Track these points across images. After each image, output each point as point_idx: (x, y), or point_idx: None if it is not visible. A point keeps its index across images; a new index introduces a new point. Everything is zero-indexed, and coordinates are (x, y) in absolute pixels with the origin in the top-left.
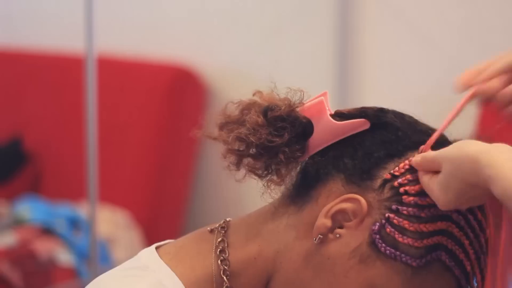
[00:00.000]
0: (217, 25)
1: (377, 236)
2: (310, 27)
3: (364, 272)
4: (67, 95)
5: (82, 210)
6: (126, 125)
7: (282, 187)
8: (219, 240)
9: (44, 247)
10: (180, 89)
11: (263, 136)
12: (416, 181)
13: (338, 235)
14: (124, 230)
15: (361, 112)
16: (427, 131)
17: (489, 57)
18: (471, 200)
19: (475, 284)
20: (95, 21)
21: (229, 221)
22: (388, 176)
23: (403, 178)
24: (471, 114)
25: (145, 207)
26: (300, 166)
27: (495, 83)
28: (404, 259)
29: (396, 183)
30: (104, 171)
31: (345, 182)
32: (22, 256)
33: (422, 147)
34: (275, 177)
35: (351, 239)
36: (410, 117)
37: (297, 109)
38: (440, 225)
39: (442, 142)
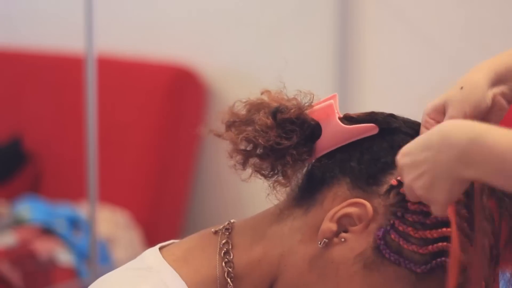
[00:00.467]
0: (217, 25)
1: (382, 242)
2: (310, 27)
3: (368, 277)
4: (67, 95)
5: (82, 210)
6: (126, 125)
7: (287, 189)
8: (223, 241)
9: (44, 247)
10: (180, 89)
11: (271, 138)
12: None
13: (343, 240)
14: (124, 230)
15: (371, 117)
16: None
17: (489, 57)
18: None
19: None
20: (95, 21)
21: (234, 222)
22: (394, 182)
23: None
24: None
25: (145, 207)
26: (306, 168)
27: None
28: (408, 265)
29: (402, 190)
30: (104, 171)
31: (351, 186)
32: (22, 256)
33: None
34: (281, 178)
35: (355, 243)
36: (419, 124)
37: (306, 112)
38: (444, 231)
39: None
